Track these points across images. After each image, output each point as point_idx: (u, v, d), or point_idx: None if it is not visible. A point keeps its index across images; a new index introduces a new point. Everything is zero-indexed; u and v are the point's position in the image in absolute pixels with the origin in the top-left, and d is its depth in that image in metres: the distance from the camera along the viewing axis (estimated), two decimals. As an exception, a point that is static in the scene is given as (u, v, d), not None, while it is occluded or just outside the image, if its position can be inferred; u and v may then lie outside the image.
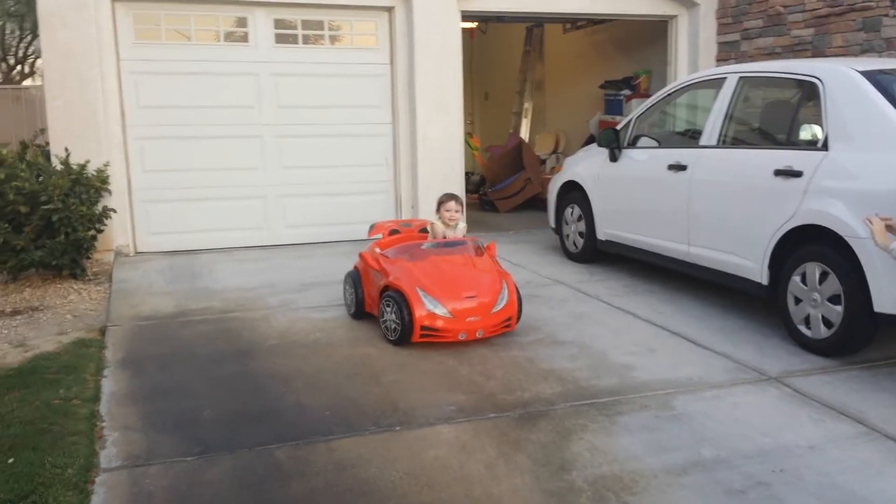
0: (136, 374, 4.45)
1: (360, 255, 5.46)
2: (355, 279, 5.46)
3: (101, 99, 7.36)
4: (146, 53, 7.67)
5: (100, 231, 6.81)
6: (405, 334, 4.78)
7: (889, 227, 3.94)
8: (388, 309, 4.87)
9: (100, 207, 6.77)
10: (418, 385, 4.26)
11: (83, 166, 6.79)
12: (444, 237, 5.48)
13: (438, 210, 5.57)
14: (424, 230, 5.69)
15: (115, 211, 7.01)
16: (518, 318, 5.10)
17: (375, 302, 5.15)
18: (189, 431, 3.68)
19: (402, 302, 4.78)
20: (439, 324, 4.75)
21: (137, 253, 7.78)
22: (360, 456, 3.42)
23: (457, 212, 5.53)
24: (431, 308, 4.75)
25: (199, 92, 7.83)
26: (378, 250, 5.32)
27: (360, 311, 5.42)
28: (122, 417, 3.85)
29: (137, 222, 7.79)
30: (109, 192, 7.07)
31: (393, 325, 4.84)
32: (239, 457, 3.41)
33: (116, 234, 7.54)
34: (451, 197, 5.58)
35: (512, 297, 5.01)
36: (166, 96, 7.74)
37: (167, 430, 3.70)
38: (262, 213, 8.23)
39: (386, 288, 4.98)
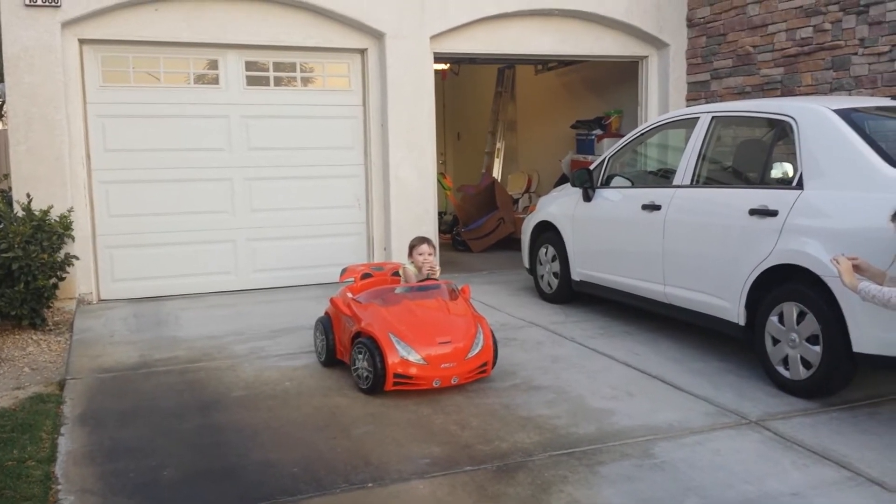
0: (95, 430, 4.25)
1: (331, 301, 5.30)
2: (326, 325, 5.31)
3: (67, 143, 7.21)
4: (114, 96, 7.55)
5: (61, 279, 6.61)
6: (378, 383, 4.62)
7: (856, 267, 3.90)
8: (360, 356, 4.72)
9: (62, 254, 6.57)
10: (391, 437, 4.11)
11: (46, 212, 6.61)
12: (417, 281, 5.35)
13: (411, 254, 5.42)
14: (397, 273, 5.54)
15: (77, 258, 6.81)
16: (494, 364, 4.97)
17: (347, 349, 4.99)
18: (150, 493, 3.49)
19: (374, 349, 4.64)
20: (413, 371, 4.60)
21: (101, 300, 7.57)
22: (329, 517, 3.26)
23: (430, 255, 5.37)
24: (405, 355, 4.60)
25: (168, 135, 7.71)
26: (350, 295, 5.17)
27: (331, 359, 5.26)
28: (79, 479, 3.65)
29: (101, 269, 7.59)
30: (73, 238, 6.87)
31: (365, 374, 4.69)
32: (201, 521, 3.24)
33: (79, 281, 7.33)
34: (422, 240, 5.42)
35: (487, 342, 4.88)
36: (134, 139, 7.61)
37: (126, 492, 3.51)
38: (231, 257, 8.07)
39: (358, 334, 4.84)
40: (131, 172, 7.62)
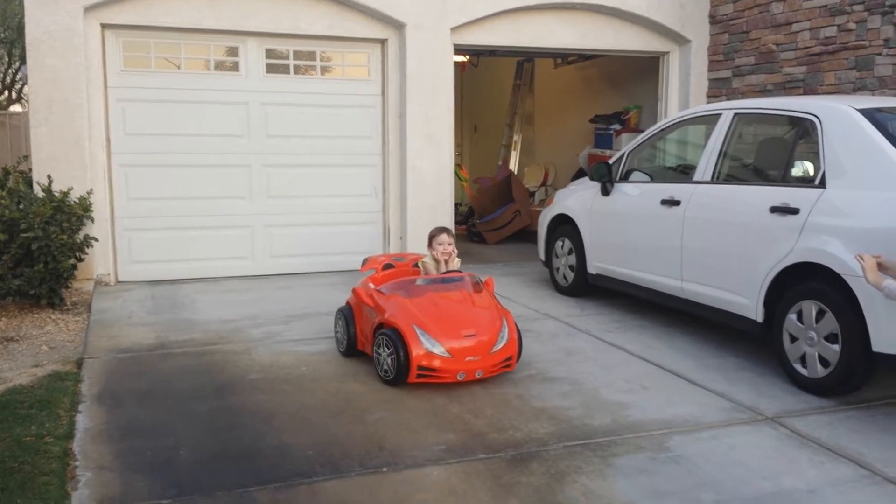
0: (112, 409, 4.29)
1: (354, 291, 5.23)
2: (347, 315, 5.21)
3: (87, 126, 7.25)
4: (134, 81, 7.59)
5: (80, 260, 6.67)
6: (401, 374, 4.54)
7: (880, 265, 3.87)
8: (384, 348, 4.64)
9: (81, 236, 6.63)
10: (406, 423, 4.12)
11: (66, 193, 6.66)
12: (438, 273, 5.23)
13: (430, 244, 5.35)
14: (419, 265, 5.45)
15: (96, 240, 6.87)
16: (518, 358, 4.88)
17: (369, 340, 4.91)
18: (166, 472, 3.52)
19: (397, 340, 4.55)
20: (437, 363, 4.51)
21: (118, 282, 7.62)
22: (344, 500, 3.27)
23: (450, 245, 5.29)
24: (429, 347, 4.51)
25: (187, 120, 7.74)
26: (372, 286, 5.09)
27: (352, 349, 5.16)
28: (97, 456, 3.68)
29: (119, 251, 7.64)
30: (92, 219, 6.93)
31: (388, 365, 4.62)
32: (217, 500, 3.25)
33: (97, 262, 7.39)
34: (442, 230, 5.35)
35: (512, 336, 4.78)
36: (153, 124, 7.64)
37: (143, 470, 3.54)
38: (248, 242, 8.10)
39: (380, 325, 4.77)
40: (150, 156, 7.67)
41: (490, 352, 4.65)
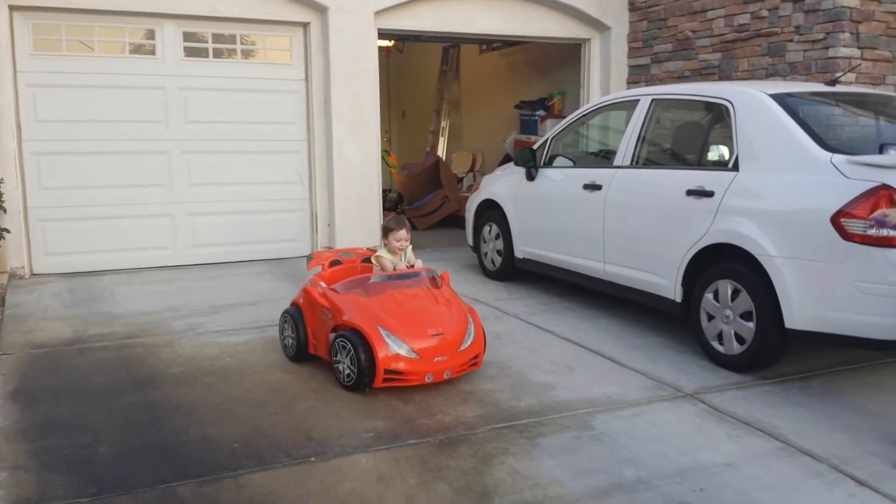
0: (28, 406, 4.13)
1: (304, 290, 4.85)
2: (296, 318, 4.81)
3: (-5, 112, 6.94)
4: (46, 65, 7.28)
5: (-9, 252, 6.40)
6: (365, 379, 4.25)
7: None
8: (344, 352, 4.33)
9: (-9, 227, 6.36)
10: (334, 412, 4.09)
11: (-27, 184, 6.37)
12: (395, 269, 4.94)
13: (386, 237, 5.01)
14: (368, 260, 5.12)
15: (8, 231, 6.60)
16: (482, 354, 4.66)
17: (322, 343, 4.62)
18: (85, 470, 3.41)
19: (360, 343, 4.24)
20: (403, 366, 4.22)
21: (33, 275, 7.34)
22: (271, 492, 3.23)
23: (407, 240, 5.05)
24: (396, 349, 4.22)
25: (103, 106, 7.47)
26: (323, 284, 4.75)
27: (301, 354, 4.79)
28: (12, 455, 3.55)
29: (34, 243, 7.35)
30: (4, 210, 6.65)
31: (349, 370, 4.31)
32: (138, 497, 3.18)
33: (10, 255, 7.09)
34: (401, 224, 4.98)
35: (479, 332, 4.59)
36: (67, 110, 7.35)
37: (61, 468, 3.42)
38: (169, 231, 7.89)
39: (338, 328, 4.49)
40: (64, 144, 7.38)
41: (458, 350, 4.42)
